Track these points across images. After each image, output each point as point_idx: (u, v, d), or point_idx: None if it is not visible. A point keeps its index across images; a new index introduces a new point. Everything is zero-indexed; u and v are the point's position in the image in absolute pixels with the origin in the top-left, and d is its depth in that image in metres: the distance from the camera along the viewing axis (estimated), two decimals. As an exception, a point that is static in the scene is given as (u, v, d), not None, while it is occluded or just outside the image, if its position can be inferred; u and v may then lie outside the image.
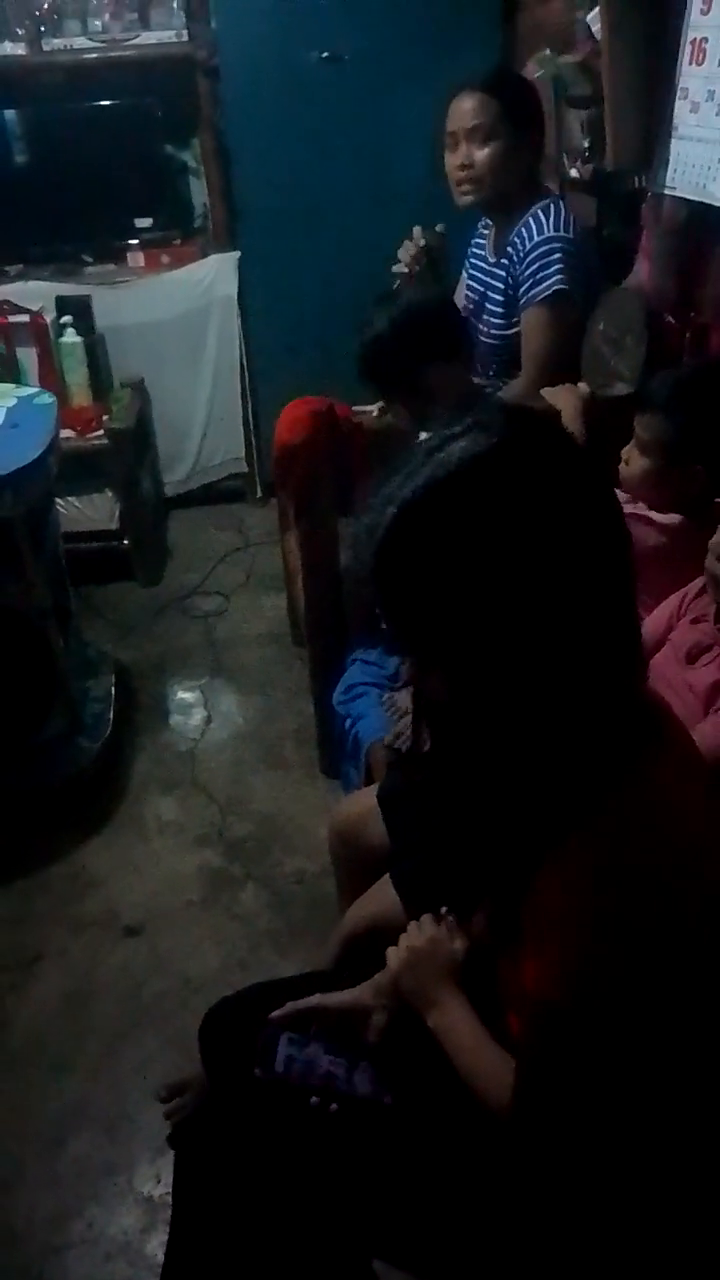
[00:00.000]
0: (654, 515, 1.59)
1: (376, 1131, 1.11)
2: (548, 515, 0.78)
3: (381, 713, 1.83)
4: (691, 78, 1.74)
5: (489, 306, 2.18)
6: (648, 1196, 0.92)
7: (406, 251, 2.15)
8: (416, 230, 2.17)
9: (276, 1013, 1.17)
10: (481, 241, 2.26)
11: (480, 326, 2.21)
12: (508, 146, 2.05)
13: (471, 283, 2.26)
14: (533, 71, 2.31)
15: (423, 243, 2.13)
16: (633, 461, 1.61)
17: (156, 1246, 1.53)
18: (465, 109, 2.06)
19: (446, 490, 0.79)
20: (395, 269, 2.18)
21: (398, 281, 2.18)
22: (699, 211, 1.79)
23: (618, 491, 1.60)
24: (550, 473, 0.80)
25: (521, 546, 0.78)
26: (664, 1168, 0.91)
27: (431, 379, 1.80)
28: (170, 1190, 1.35)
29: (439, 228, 2.22)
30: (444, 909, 1.19)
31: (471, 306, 2.24)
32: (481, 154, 2.06)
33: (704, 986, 0.84)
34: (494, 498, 0.78)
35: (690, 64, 1.74)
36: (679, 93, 1.78)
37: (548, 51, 2.23)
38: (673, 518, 1.58)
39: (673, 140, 1.81)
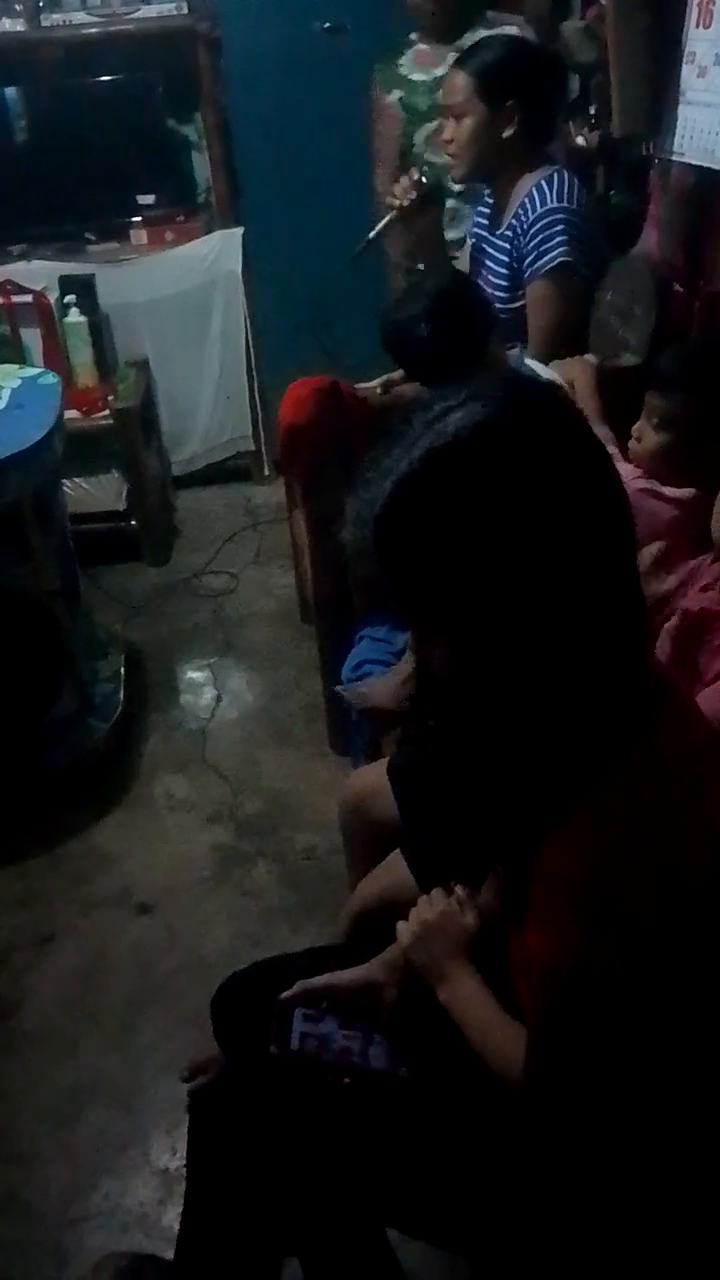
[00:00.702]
0: (666, 490, 1.57)
1: (391, 1104, 1.12)
2: (545, 483, 0.78)
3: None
4: (699, 41, 1.72)
5: (492, 279, 2.16)
6: (660, 1165, 0.92)
7: (401, 186, 2.13)
8: (414, 170, 2.15)
9: (288, 993, 1.17)
10: (484, 210, 2.24)
11: (485, 298, 2.19)
12: (479, 122, 2.04)
13: (475, 254, 2.24)
14: (381, 98, 2.35)
15: (416, 177, 2.11)
16: (646, 437, 1.59)
17: (173, 1218, 1.54)
18: (447, 85, 2.07)
19: (444, 460, 0.79)
20: (388, 201, 2.15)
21: (386, 218, 2.15)
22: (708, 177, 1.76)
23: (629, 466, 1.59)
24: (547, 441, 0.80)
25: (519, 515, 0.77)
26: (676, 1136, 0.91)
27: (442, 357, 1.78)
28: (185, 1163, 1.37)
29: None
30: (454, 882, 1.19)
31: (475, 278, 2.22)
32: (458, 130, 2.06)
33: (712, 953, 0.84)
34: (491, 466, 0.78)
35: (698, 27, 1.71)
36: (686, 57, 1.75)
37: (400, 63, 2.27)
38: (685, 491, 1.56)
39: (680, 105, 1.78)
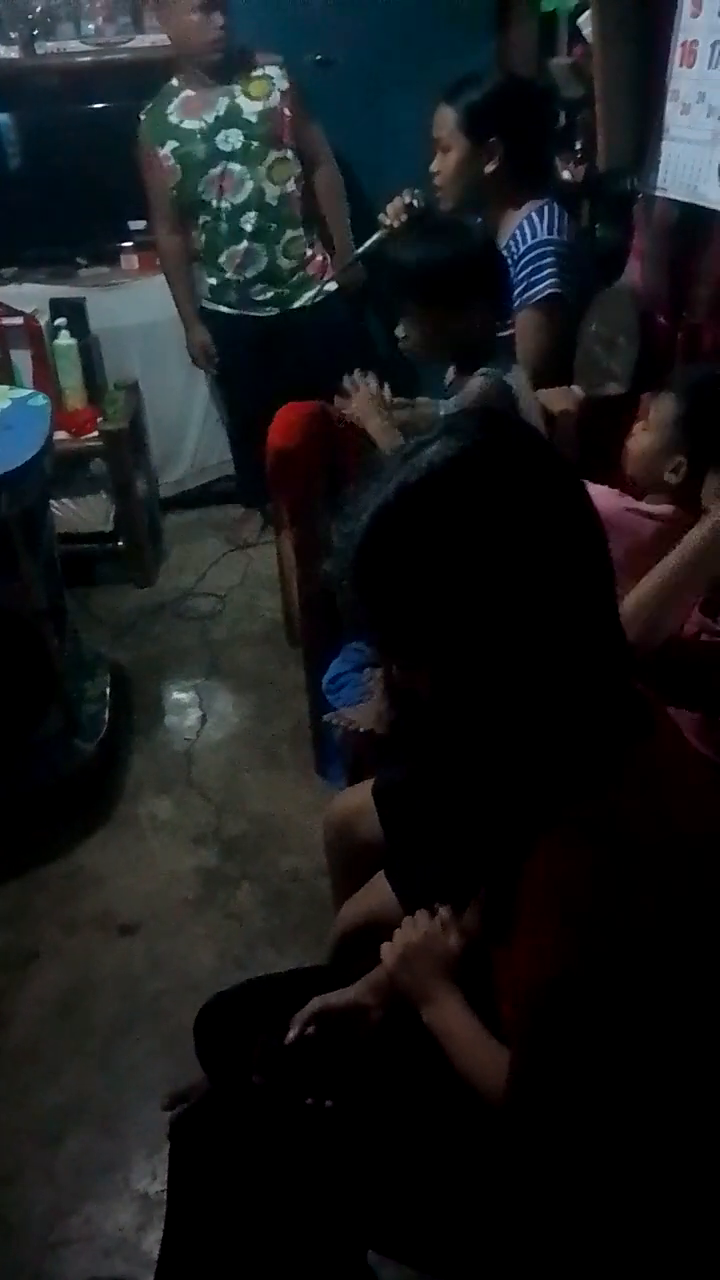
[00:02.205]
0: (644, 506, 1.60)
1: (373, 1123, 1.12)
2: (518, 515, 0.80)
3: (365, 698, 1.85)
4: (682, 79, 1.76)
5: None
6: (644, 1184, 0.93)
7: (393, 207, 2.16)
8: (406, 190, 2.18)
9: (290, 1035, 1.17)
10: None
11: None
12: (462, 157, 2.08)
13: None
14: (149, 150, 2.57)
15: (408, 200, 2.15)
16: (638, 436, 1.62)
17: (153, 1243, 1.53)
18: (435, 119, 2.11)
19: (418, 494, 0.81)
20: (380, 219, 2.18)
21: (376, 236, 2.17)
22: (690, 212, 1.80)
23: (606, 487, 1.62)
24: (520, 473, 0.82)
25: (493, 546, 0.79)
26: (660, 1153, 0.92)
27: (465, 318, 1.74)
28: (166, 1188, 1.36)
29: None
30: (438, 904, 1.20)
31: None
32: (444, 163, 2.11)
33: (696, 970, 0.85)
34: (464, 499, 0.80)
35: (681, 66, 1.76)
36: (670, 94, 1.79)
37: (169, 111, 2.54)
38: (665, 508, 1.59)
39: (664, 141, 1.83)
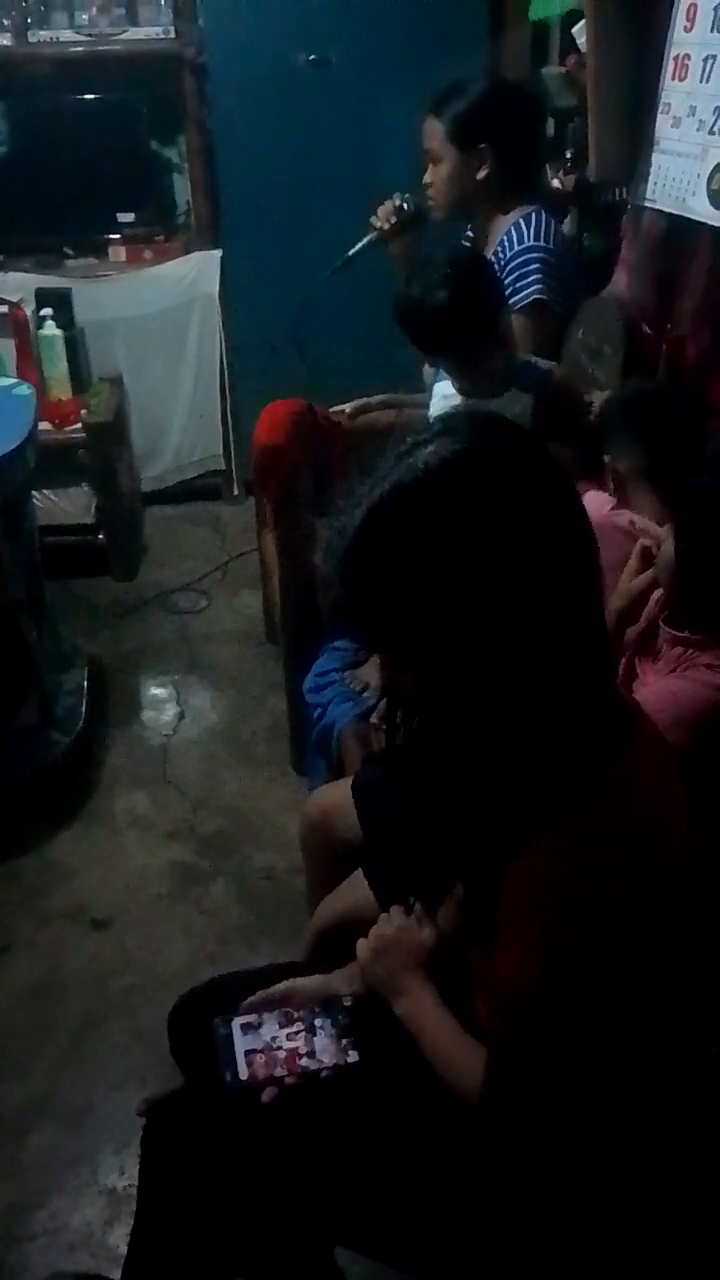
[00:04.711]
0: (634, 523, 1.61)
1: (342, 1111, 1.12)
2: (511, 517, 0.80)
3: (349, 699, 1.86)
4: (674, 93, 1.78)
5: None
6: (621, 1183, 0.94)
7: (384, 210, 2.17)
8: (397, 194, 2.19)
9: (249, 1000, 1.17)
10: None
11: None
12: (453, 167, 2.10)
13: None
14: None
15: (399, 203, 2.15)
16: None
17: (120, 1238, 1.53)
18: (424, 131, 2.12)
19: (413, 493, 0.82)
20: (370, 221, 2.19)
21: (366, 238, 2.18)
22: (678, 225, 1.82)
23: (604, 495, 1.63)
24: (514, 476, 0.82)
25: (485, 548, 0.80)
26: (639, 1154, 0.93)
27: (480, 353, 1.81)
28: (133, 1182, 1.36)
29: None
30: (413, 900, 1.20)
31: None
32: (435, 174, 2.13)
33: (673, 976, 0.86)
34: (458, 501, 0.81)
35: (673, 79, 1.77)
36: (661, 107, 1.81)
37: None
38: (651, 527, 1.60)
39: (654, 153, 1.84)
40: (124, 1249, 1.34)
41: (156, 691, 2.79)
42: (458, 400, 1.87)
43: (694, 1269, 0.98)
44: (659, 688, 1.38)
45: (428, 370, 2.01)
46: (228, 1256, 1.19)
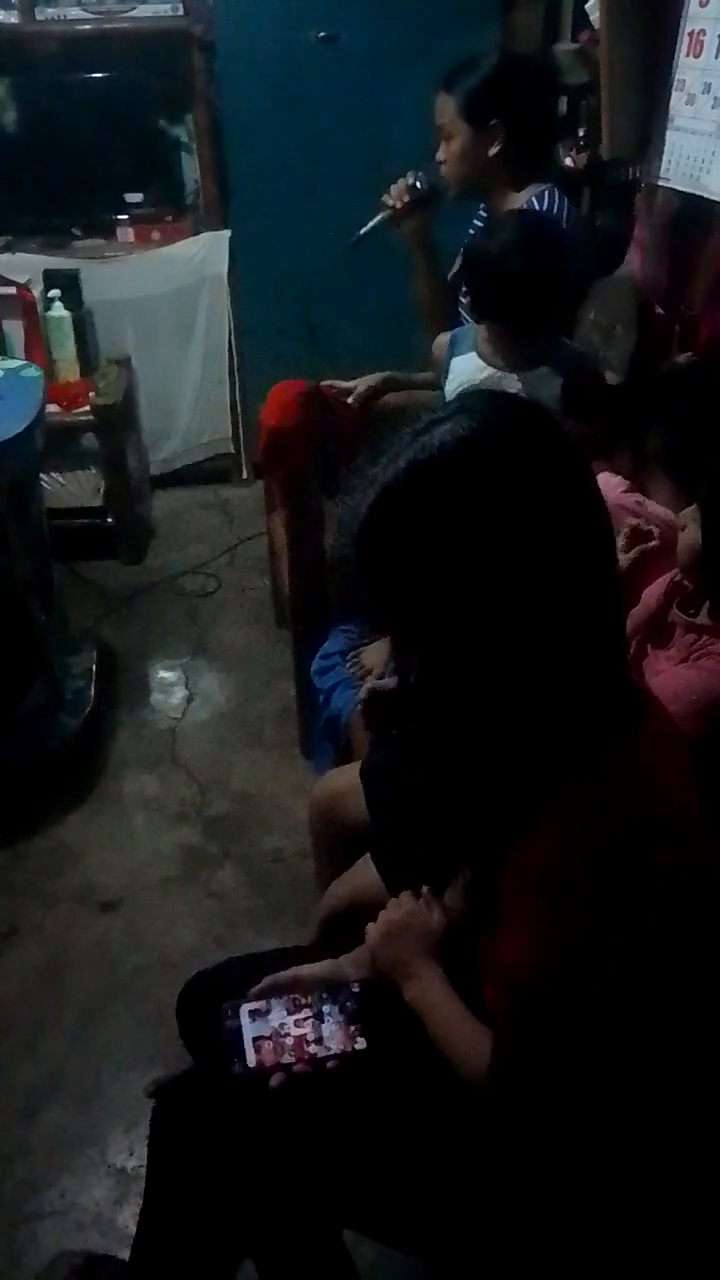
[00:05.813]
0: (646, 508, 1.60)
1: (350, 1095, 1.12)
2: (526, 499, 0.79)
3: (355, 683, 1.86)
4: (688, 69, 1.75)
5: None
6: (627, 1167, 0.94)
7: (396, 188, 2.15)
8: (410, 172, 2.17)
9: (257, 986, 1.17)
10: (478, 224, 2.26)
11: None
12: (465, 143, 2.07)
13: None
14: None
15: (411, 181, 2.13)
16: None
17: (128, 1218, 1.54)
18: (436, 107, 2.09)
19: (428, 472, 0.81)
20: (383, 199, 2.17)
21: (379, 217, 2.16)
22: (692, 203, 1.80)
23: (617, 478, 1.62)
24: (530, 457, 0.81)
25: (499, 529, 0.79)
26: (645, 1139, 0.93)
27: (534, 326, 1.77)
28: (142, 1163, 1.36)
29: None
30: (423, 885, 1.20)
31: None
32: (448, 150, 2.10)
33: (679, 960, 0.85)
34: (473, 481, 0.80)
35: (687, 56, 1.75)
36: (675, 84, 1.79)
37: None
38: (663, 513, 1.59)
39: (668, 131, 1.82)
40: (133, 1229, 1.35)
41: (165, 675, 2.78)
42: (482, 376, 1.83)
43: (697, 1255, 0.97)
44: (672, 675, 1.37)
45: (439, 345, 1.98)
46: (236, 1238, 1.20)
